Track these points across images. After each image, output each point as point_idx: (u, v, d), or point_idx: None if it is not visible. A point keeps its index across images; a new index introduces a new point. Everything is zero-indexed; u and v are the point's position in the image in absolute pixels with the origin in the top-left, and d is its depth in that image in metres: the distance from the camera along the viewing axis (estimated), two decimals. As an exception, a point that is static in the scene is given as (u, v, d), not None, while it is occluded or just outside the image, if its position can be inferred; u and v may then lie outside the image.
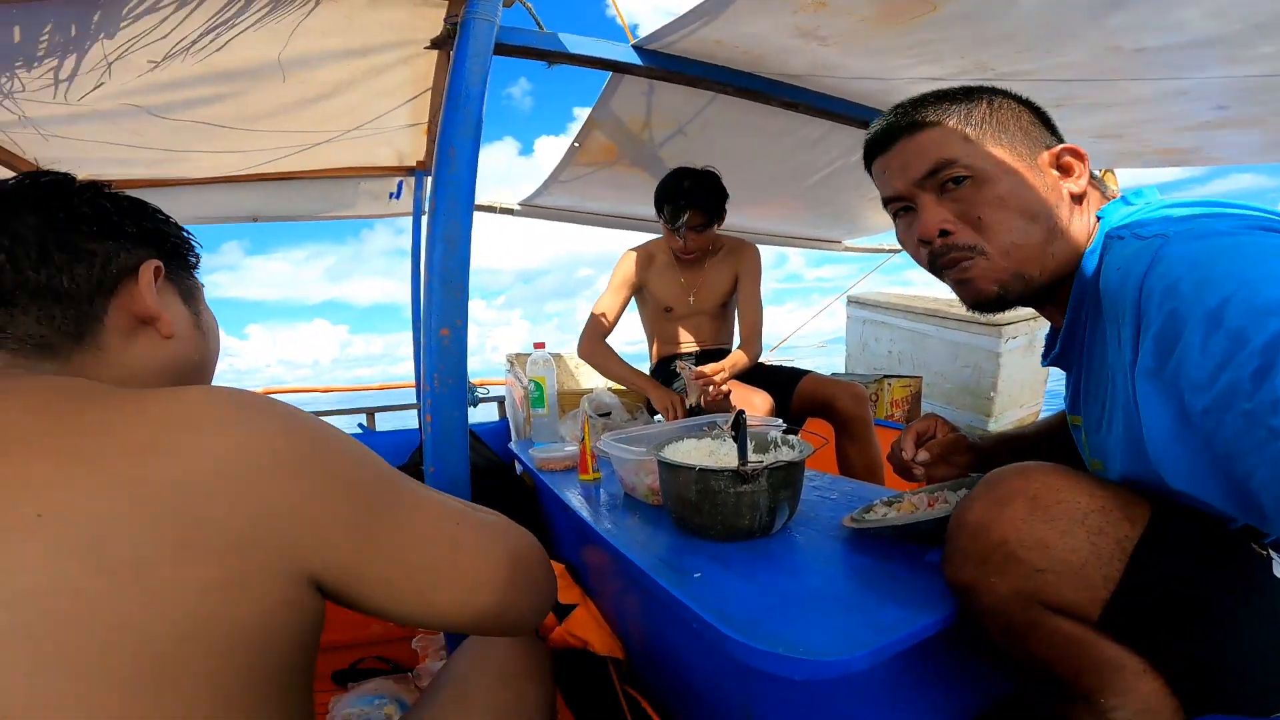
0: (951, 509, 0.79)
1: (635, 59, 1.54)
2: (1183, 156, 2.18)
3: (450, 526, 0.56)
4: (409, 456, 1.85)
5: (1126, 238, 0.61)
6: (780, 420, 1.28)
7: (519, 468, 1.89)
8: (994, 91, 0.73)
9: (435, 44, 1.38)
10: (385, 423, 2.77)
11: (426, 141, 2.10)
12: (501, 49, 1.35)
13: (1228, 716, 0.50)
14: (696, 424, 1.30)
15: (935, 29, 1.32)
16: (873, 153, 0.77)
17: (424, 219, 2.65)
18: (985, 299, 0.71)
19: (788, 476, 0.89)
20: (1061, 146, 0.70)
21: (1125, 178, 2.45)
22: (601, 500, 1.17)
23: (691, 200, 1.84)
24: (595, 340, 1.99)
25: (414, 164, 2.32)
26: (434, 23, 1.31)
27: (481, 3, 1.11)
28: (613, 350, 1.99)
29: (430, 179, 2.46)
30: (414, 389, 3.10)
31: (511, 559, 0.59)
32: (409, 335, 2.71)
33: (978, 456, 0.93)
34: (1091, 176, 0.72)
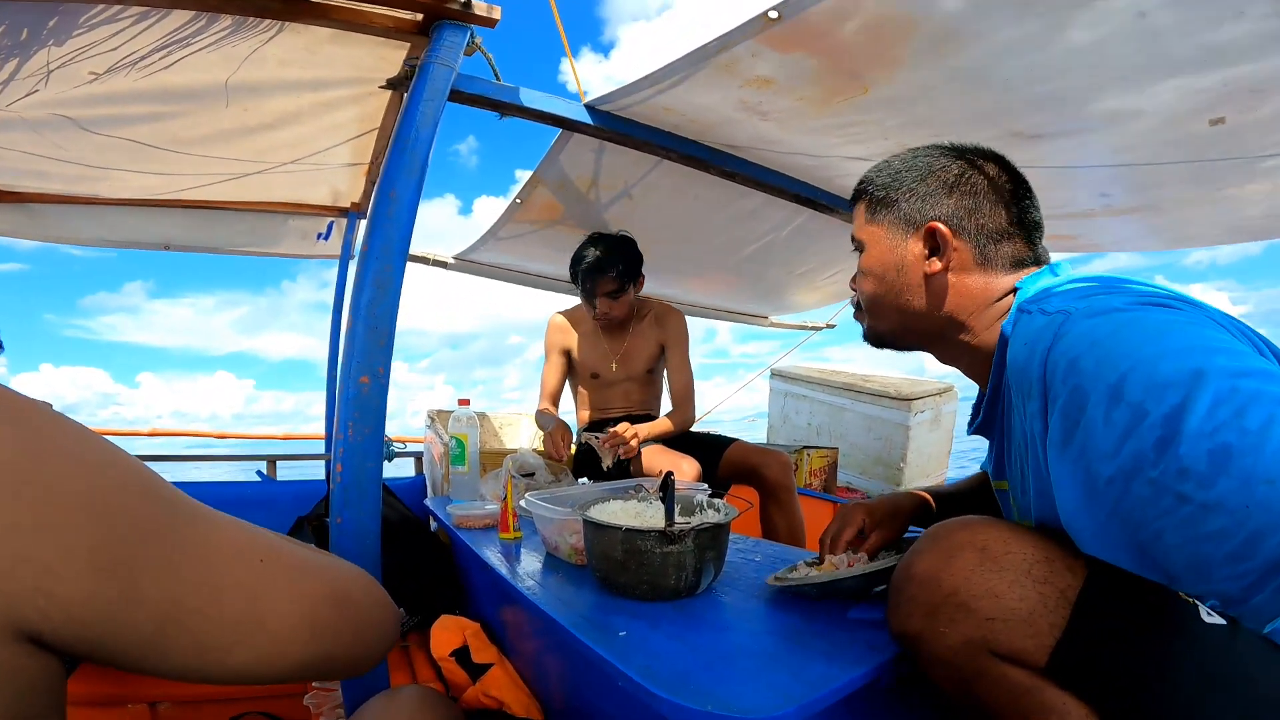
0: (871, 568, 0.81)
1: (586, 118, 1.60)
2: (1069, 243, 2.45)
3: (251, 565, 0.45)
4: (312, 508, 1.72)
5: (1034, 312, 0.66)
6: (705, 485, 1.29)
7: (434, 524, 1.80)
8: (927, 157, 0.82)
9: (391, 84, 1.39)
10: (288, 473, 2.57)
11: (365, 183, 2.08)
12: (457, 96, 1.37)
13: None
14: (621, 486, 1.29)
15: (864, 111, 1.45)
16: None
17: (352, 264, 2.60)
18: (865, 338, 0.90)
19: (714, 538, 0.89)
20: (930, 227, 0.77)
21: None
22: (521, 559, 1.12)
23: (603, 267, 1.88)
24: (542, 401, 2.07)
25: (348, 205, 2.29)
26: (393, 64, 1.33)
27: (443, 48, 1.13)
28: (550, 410, 2.05)
29: (364, 222, 2.42)
30: (323, 440, 2.92)
31: (333, 601, 0.50)
32: (322, 395, 2.60)
33: (919, 514, 0.96)
34: (1014, 241, 0.77)
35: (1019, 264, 0.77)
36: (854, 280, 0.90)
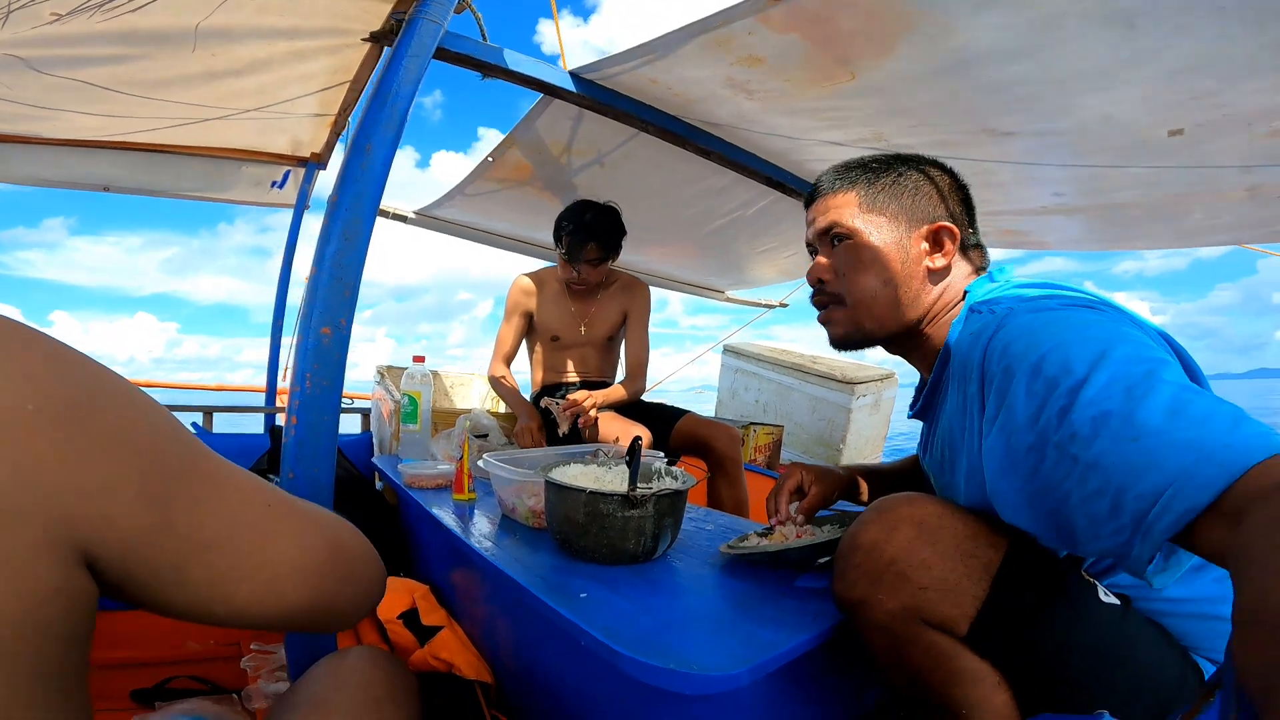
0: (817, 539, 0.86)
1: (570, 85, 1.57)
2: (1019, 239, 2.59)
3: (259, 508, 0.48)
4: (254, 462, 1.67)
5: (983, 312, 0.72)
6: (662, 453, 1.31)
7: (379, 483, 1.77)
8: (915, 162, 0.85)
9: (374, 37, 1.33)
10: (223, 425, 2.47)
11: (329, 134, 1.99)
12: (442, 54, 1.32)
13: (1057, 715, 0.59)
14: (579, 450, 1.30)
15: (848, 97, 1.48)
16: (807, 202, 0.91)
17: (306, 214, 2.48)
18: (836, 339, 0.86)
19: (673, 504, 0.91)
20: (938, 225, 0.81)
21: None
22: (476, 520, 1.12)
23: (593, 234, 1.89)
24: (496, 363, 2.06)
25: (308, 155, 2.18)
26: (376, 16, 1.27)
27: (434, 3, 1.09)
28: (509, 375, 2.06)
29: (323, 172, 2.31)
30: (262, 393, 2.81)
31: (331, 548, 0.53)
32: (253, 341, 2.52)
33: (848, 487, 1.02)
34: (975, 250, 0.84)
35: (978, 269, 0.84)
36: (831, 270, 0.84)
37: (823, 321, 0.87)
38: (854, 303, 0.82)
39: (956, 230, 0.81)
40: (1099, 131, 1.51)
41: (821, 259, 0.86)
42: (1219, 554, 0.44)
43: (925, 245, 0.81)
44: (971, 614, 0.61)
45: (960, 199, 0.85)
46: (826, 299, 0.86)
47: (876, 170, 0.84)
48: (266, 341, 2.65)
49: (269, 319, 2.62)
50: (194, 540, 0.43)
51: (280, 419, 2.44)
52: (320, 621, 0.53)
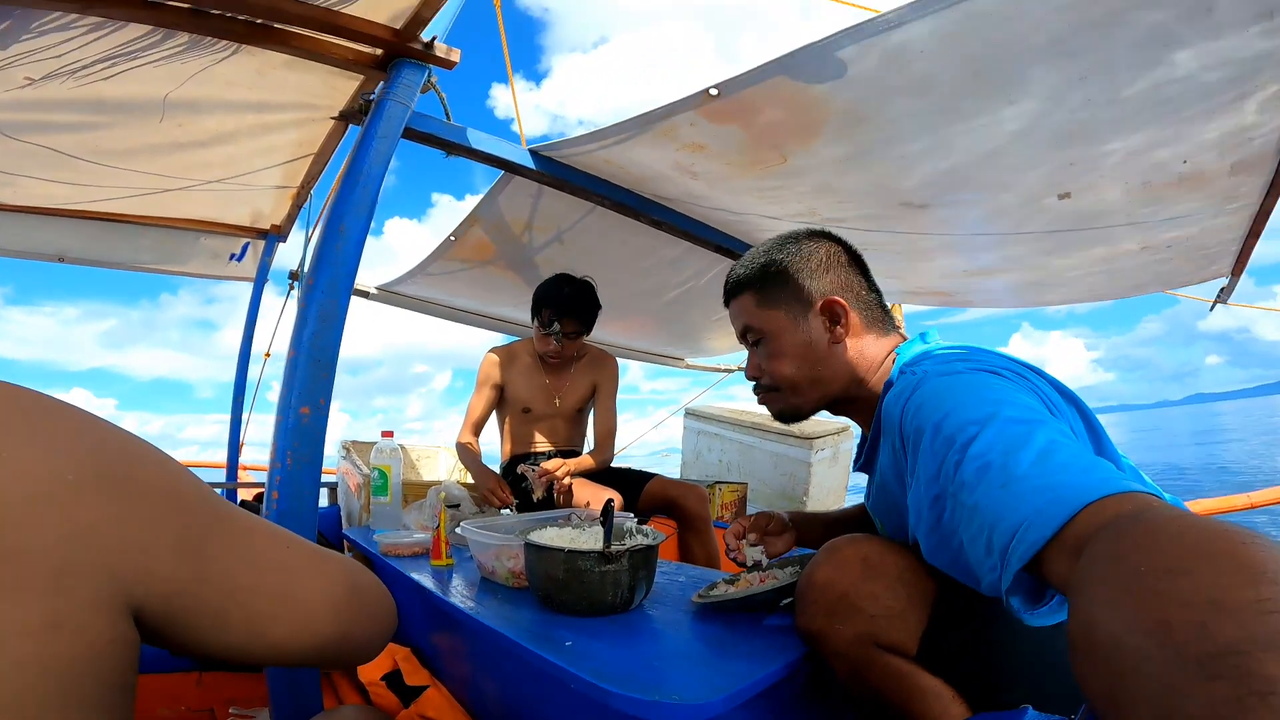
0: (781, 583, 0.93)
1: (529, 162, 1.68)
2: (948, 299, 2.81)
3: (282, 550, 0.52)
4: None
5: (907, 373, 0.81)
6: (632, 514, 1.38)
7: (348, 553, 1.77)
8: (794, 241, 0.93)
9: (343, 116, 1.41)
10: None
11: (290, 206, 2.05)
12: (410, 134, 1.39)
13: (989, 714, 0.66)
14: (553, 515, 1.36)
15: (781, 178, 1.65)
16: (724, 302, 1.02)
17: (268, 287, 2.52)
18: (776, 417, 0.97)
19: (646, 558, 0.98)
20: (826, 300, 0.88)
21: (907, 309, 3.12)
22: (456, 584, 1.15)
23: (571, 309, 1.98)
24: (465, 431, 2.10)
25: (268, 227, 2.23)
26: (343, 94, 1.35)
27: (401, 86, 1.16)
28: (474, 443, 2.10)
29: (283, 245, 2.37)
30: (214, 468, 2.75)
31: (349, 585, 0.56)
32: (196, 418, 2.53)
33: (801, 532, 1.10)
34: (876, 308, 0.92)
35: (887, 324, 0.93)
36: (756, 368, 0.95)
37: (762, 403, 0.99)
38: (783, 389, 0.92)
39: (843, 301, 0.87)
40: (1000, 200, 1.72)
41: (749, 358, 0.97)
42: (1062, 583, 0.47)
43: (824, 320, 0.88)
44: (918, 635, 0.70)
45: (846, 260, 0.92)
46: (763, 391, 0.97)
47: (762, 264, 0.92)
48: (210, 418, 2.66)
49: (213, 395, 2.66)
50: (230, 585, 0.46)
51: (241, 495, 2.39)
52: (346, 653, 0.56)
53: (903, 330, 0.96)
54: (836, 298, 0.88)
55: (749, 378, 0.97)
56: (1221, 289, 2.47)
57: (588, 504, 1.82)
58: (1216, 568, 0.31)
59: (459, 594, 1.07)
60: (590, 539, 1.05)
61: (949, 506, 0.62)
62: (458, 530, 1.22)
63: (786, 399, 0.93)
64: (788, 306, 0.90)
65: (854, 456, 0.99)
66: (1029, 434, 0.58)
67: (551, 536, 1.07)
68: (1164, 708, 0.29)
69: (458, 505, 1.89)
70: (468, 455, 2.06)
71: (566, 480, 1.85)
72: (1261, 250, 2.16)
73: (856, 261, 0.95)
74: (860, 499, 1.14)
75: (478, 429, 2.15)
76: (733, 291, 0.97)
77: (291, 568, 0.51)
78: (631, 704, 0.62)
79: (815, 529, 1.13)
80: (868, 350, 0.89)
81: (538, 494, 1.87)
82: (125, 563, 0.40)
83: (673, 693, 0.63)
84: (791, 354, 0.90)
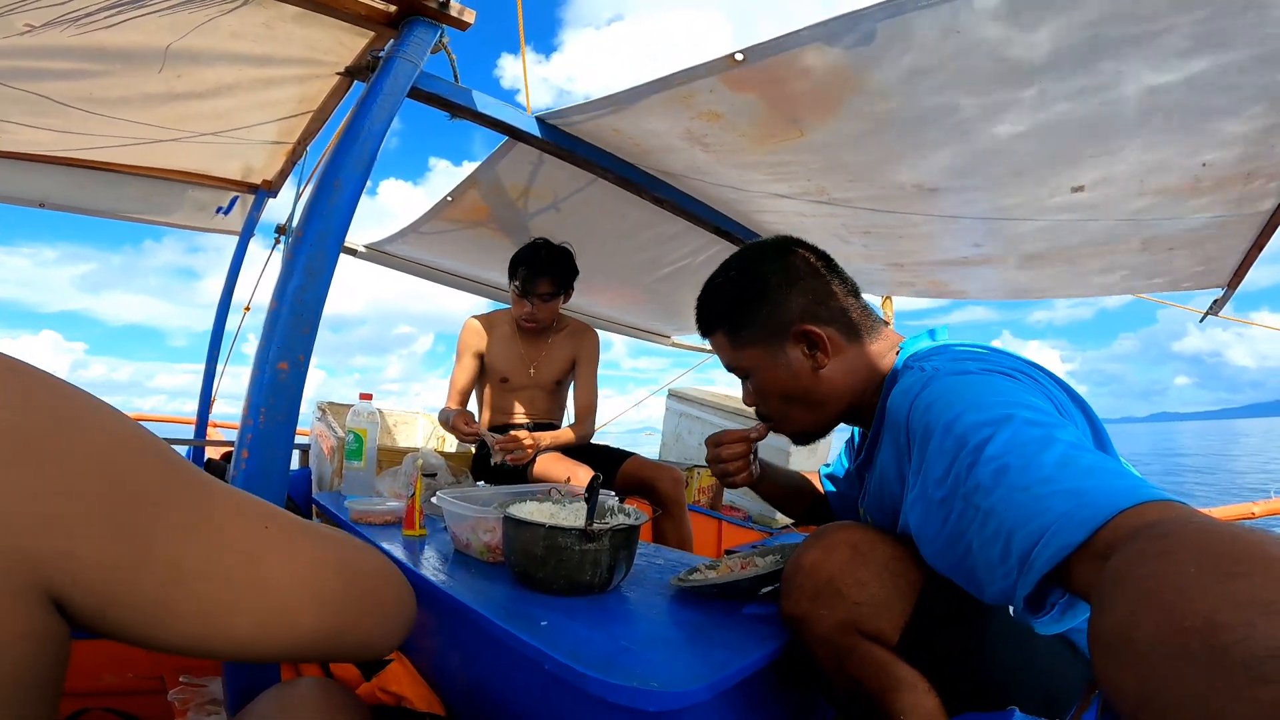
0: (762, 570, 0.92)
1: (535, 130, 1.62)
2: (942, 289, 2.80)
3: (255, 531, 0.45)
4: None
5: (914, 368, 0.79)
6: (613, 493, 1.36)
7: (317, 519, 1.73)
8: (757, 263, 0.90)
9: (349, 72, 1.35)
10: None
11: (284, 162, 1.97)
12: (415, 93, 1.34)
13: (976, 714, 0.65)
14: (533, 489, 1.33)
15: (794, 153, 1.61)
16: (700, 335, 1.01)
17: (253, 241, 2.43)
18: (796, 442, 0.97)
19: (627, 539, 0.95)
20: (795, 331, 0.86)
21: (899, 304, 3.08)
22: (428, 555, 1.12)
23: (546, 269, 1.95)
24: (449, 401, 2.08)
25: (259, 182, 2.15)
26: (350, 50, 1.30)
27: (412, 44, 1.11)
28: (460, 409, 2.06)
29: (273, 200, 2.29)
30: (179, 424, 2.68)
31: (338, 569, 0.49)
32: (167, 366, 2.47)
33: (765, 480, 1.14)
34: (858, 315, 0.89)
35: (872, 323, 0.90)
36: (752, 402, 0.96)
37: (774, 431, 0.99)
38: (779, 420, 0.94)
39: (816, 329, 0.85)
40: (1011, 188, 1.70)
41: (744, 388, 0.97)
42: (1088, 588, 0.46)
43: (803, 349, 0.86)
44: (901, 625, 0.68)
45: (811, 268, 0.89)
46: (765, 418, 0.97)
47: (728, 300, 0.91)
48: (180, 367, 2.63)
49: (188, 344, 2.63)
50: (176, 571, 0.40)
51: (209, 453, 2.33)
52: (344, 649, 0.50)
53: (889, 323, 0.94)
54: (808, 326, 0.86)
55: (751, 406, 0.97)
56: (1215, 300, 2.49)
57: (568, 480, 1.80)
58: (1273, 572, 0.30)
59: (430, 566, 1.04)
60: (571, 515, 1.02)
61: (958, 509, 0.60)
62: (433, 500, 1.19)
63: (791, 426, 0.94)
64: (764, 344, 0.89)
65: (853, 455, 0.98)
66: (1048, 437, 0.56)
67: (531, 511, 1.04)
68: (1206, 710, 0.28)
69: (434, 474, 1.85)
70: (447, 411, 2.03)
71: (528, 453, 1.84)
72: (1248, 274, 2.18)
73: (825, 261, 0.92)
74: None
75: (463, 399, 2.12)
76: (705, 329, 0.96)
77: (256, 553, 0.45)
78: (609, 689, 0.60)
79: (775, 485, 1.16)
80: (858, 363, 0.87)
81: (495, 459, 1.85)
82: (41, 544, 0.34)
83: (651, 679, 0.61)
84: (777, 389, 0.90)
